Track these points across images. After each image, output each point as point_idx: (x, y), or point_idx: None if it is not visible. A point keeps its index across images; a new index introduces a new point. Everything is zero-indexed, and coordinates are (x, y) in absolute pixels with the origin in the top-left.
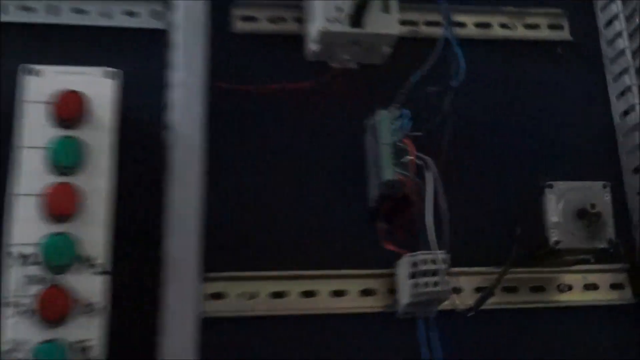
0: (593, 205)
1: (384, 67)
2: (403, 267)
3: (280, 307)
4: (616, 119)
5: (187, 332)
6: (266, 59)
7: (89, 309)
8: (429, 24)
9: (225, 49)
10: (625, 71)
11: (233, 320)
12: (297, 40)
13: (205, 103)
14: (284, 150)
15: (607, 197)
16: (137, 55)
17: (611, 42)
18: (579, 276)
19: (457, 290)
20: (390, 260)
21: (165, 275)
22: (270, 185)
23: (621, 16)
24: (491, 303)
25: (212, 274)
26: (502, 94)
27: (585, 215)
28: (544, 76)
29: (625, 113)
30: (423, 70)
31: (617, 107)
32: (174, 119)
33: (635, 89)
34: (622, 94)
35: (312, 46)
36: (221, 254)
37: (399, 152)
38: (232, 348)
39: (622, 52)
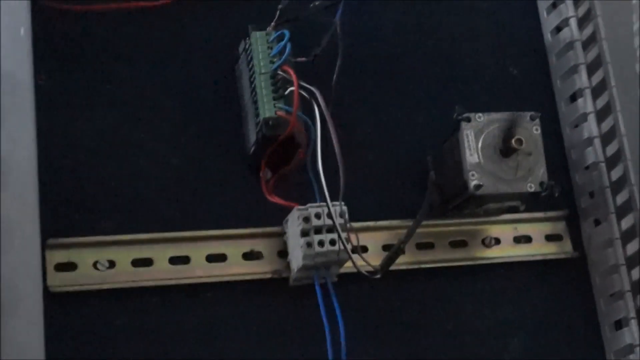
0: (519, 141)
1: None
2: (293, 224)
3: (146, 277)
4: (547, 36)
5: (30, 311)
6: None
7: None
8: None
9: None
10: None
11: (87, 295)
12: None
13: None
14: (138, 86)
15: (537, 131)
16: None
17: None
18: (508, 227)
19: (360, 249)
20: (277, 217)
21: None
22: (125, 131)
23: None
24: (402, 262)
25: (58, 240)
26: (407, 8)
27: (510, 153)
28: None
29: (558, 29)
30: None
31: (548, 22)
32: None
33: None
34: (554, 5)
35: None
36: (67, 214)
37: (279, 83)
38: (88, 328)
39: None
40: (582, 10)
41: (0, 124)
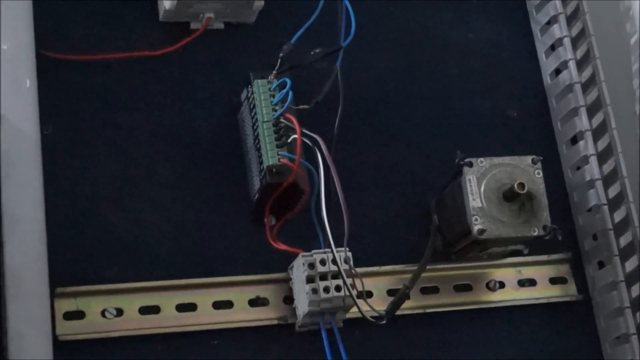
0: (522, 185)
1: (256, 25)
2: (298, 270)
3: (154, 325)
4: (546, 79)
5: None
6: (108, 21)
7: None
8: None
9: (56, 9)
10: (554, 20)
11: (95, 343)
12: None
13: (35, 79)
14: (141, 134)
15: (539, 174)
16: None
17: None
18: (511, 271)
19: (365, 295)
20: (282, 263)
21: (5, 292)
22: (128, 179)
23: None
24: (407, 307)
25: (66, 289)
26: (405, 54)
27: (513, 197)
28: (456, 30)
29: (557, 72)
30: (305, 28)
31: (547, 65)
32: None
33: (567, 42)
34: (552, 48)
35: (166, 4)
36: (74, 263)
37: (282, 131)
38: None
39: None
40: (580, 53)
41: (3, 176)
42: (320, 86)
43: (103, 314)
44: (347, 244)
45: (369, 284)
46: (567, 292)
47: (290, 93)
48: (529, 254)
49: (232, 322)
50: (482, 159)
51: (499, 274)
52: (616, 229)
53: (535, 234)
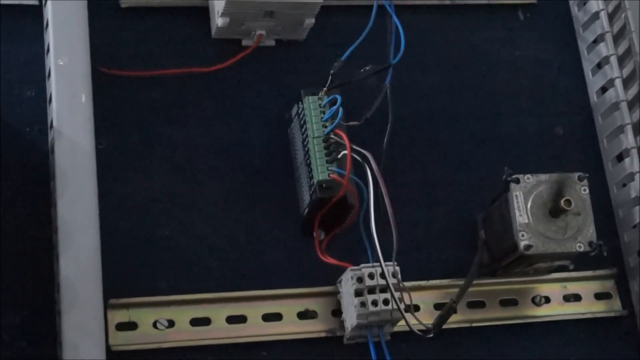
0: (568, 202)
1: (307, 42)
2: (346, 284)
3: (204, 336)
4: (593, 96)
5: None
6: (162, 38)
7: None
8: None
9: (111, 26)
10: (600, 38)
11: (148, 354)
12: (199, 14)
13: (91, 94)
14: (192, 148)
15: (585, 191)
16: (5, 37)
17: (583, 3)
18: (557, 286)
19: (412, 308)
20: (331, 276)
21: (60, 303)
22: (179, 193)
23: None
24: (454, 321)
25: (119, 300)
26: (454, 71)
27: (559, 214)
28: (504, 48)
29: (604, 90)
30: (355, 45)
31: (594, 82)
32: (56, 114)
33: (613, 60)
34: (599, 66)
35: (219, 21)
36: (127, 275)
37: (332, 147)
38: None
39: (595, 16)
40: (627, 71)
41: (59, 189)
42: (370, 103)
43: (155, 325)
44: (396, 258)
45: (416, 297)
46: (612, 308)
47: (341, 109)
48: (574, 270)
49: (281, 335)
50: (529, 176)
51: (544, 289)
52: None
53: (581, 249)
